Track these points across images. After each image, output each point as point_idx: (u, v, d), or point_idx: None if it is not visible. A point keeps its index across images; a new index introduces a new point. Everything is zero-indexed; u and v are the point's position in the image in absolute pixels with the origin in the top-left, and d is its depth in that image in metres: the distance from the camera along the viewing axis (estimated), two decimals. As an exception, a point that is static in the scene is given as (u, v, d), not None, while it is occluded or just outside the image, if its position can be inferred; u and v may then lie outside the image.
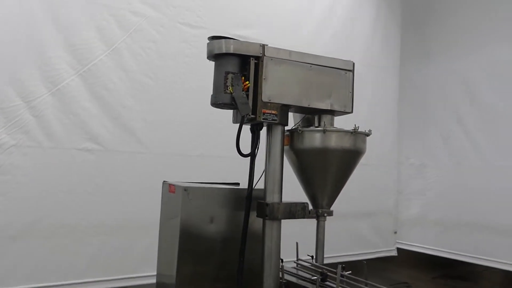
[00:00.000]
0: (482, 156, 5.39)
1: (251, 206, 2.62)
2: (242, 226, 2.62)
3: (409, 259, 5.96)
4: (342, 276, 2.75)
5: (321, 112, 2.73)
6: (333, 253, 5.48)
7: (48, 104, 4.02)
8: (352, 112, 2.76)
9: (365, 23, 6.00)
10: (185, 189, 2.56)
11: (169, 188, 2.72)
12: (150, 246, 4.57)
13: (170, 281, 2.56)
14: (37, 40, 3.94)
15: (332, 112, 2.74)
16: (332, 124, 2.71)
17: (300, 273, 2.87)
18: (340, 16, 5.78)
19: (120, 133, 4.37)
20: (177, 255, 2.52)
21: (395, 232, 6.07)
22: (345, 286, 2.56)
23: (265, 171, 2.66)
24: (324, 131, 2.55)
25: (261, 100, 2.51)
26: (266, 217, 2.56)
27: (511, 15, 5.22)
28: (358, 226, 5.89)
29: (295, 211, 2.65)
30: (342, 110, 2.73)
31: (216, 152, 4.88)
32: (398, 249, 6.06)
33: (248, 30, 5.07)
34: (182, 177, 4.69)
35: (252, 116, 2.50)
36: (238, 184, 2.99)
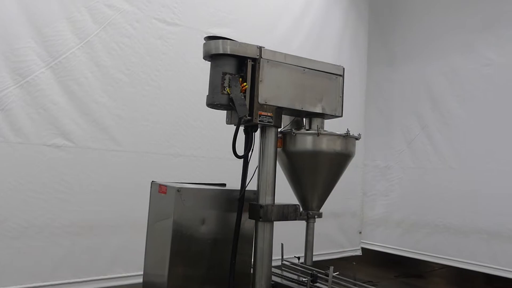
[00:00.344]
0: (443, 159, 5.66)
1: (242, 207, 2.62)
2: (234, 228, 2.61)
3: (373, 259, 6.16)
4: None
5: (312, 115, 2.77)
6: (301, 253, 5.60)
7: (15, 97, 3.81)
8: (341, 116, 2.82)
9: (334, 27, 6.13)
10: (178, 190, 2.52)
11: (159, 189, 2.66)
12: (122, 246, 4.47)
13: (161, 282, 2.51)
14: (5, 28, 3.72)
15: (323, 116, 2.78)
16: (322, 128, 2.75)
17: (287, 274, 2.90)
18: (312, 19, 5.88)
19: (92, 129, 4.21)
20: (169, 256, 2.48)
21: (360, 232, 6.25)
22: (336, 287, 2.61)
23: (258, 173, 2.67)
24: (318, 134, 2.59)
25: (258, 102, 2.51)
26: (260, 219, 2.56)
27: (473, 25, 5.50)
28: (325, 226, 6.01)
29: (287, 213, 2.68)
30: (333, 114, 2.79)
31: (190, 152, 4.82)
32: (363, 249, 6.24)
33: (223, 29, 5.03)
34: (156, 176, 4.60)
35: (248, 117, 2.49)
36: (224, 184, 2.98)
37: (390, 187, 6.17)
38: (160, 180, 4.66)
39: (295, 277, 2.93)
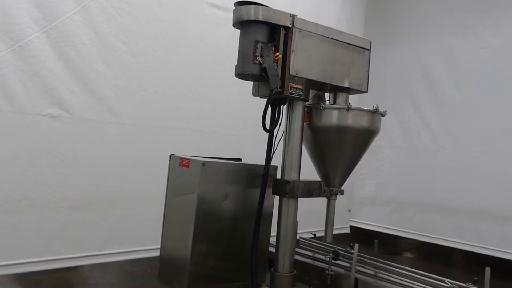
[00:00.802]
0: (435, 140, 5.73)
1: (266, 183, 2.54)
2: (258, 204, 2.54)
3: (360, 236, 6.23)
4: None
5: (338, 89, 2.69)
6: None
7: (7, 62, 3.57)
8: (367, 91, 2.76)
9: (332, 6, 6.04)
10: (204, 163, 2.41)
11: (180, 162, 2.54)
12: (118, 222, 4.33)
13: (183, 257, 2.42)
14: (-5, -15, 3.46)
15: (348, 90, 2.71)
16: (348, 103, 2.68)
17: (302, 251, 2.86)
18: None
19: (89, 99, 4.01)
20: (193, 231, 2.38)
21: (349, 211, 6.30)
22: (362, 265, 2.59)
23: (284, 148, 2.58)
24: (347, 109, 2.52)
25: (289, 73, 2.40)
26: (286, 195, 2.49)
27: (470, 7, 5.51)
28: (314, 204, 6.01)
29: (312, 189, 2.62)
30: (359, 89, 2.72)
31: (188, 125, 4.67)
32: (351, 227, 6.31)
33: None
34: (155, 150, 4.47)
35: (279, 89, 2.38)
36: (240, 159, 2.88)
37: (380, 167, 6.22)
38: (159, 153, 4.52)
39: (310, 253, 2.88)
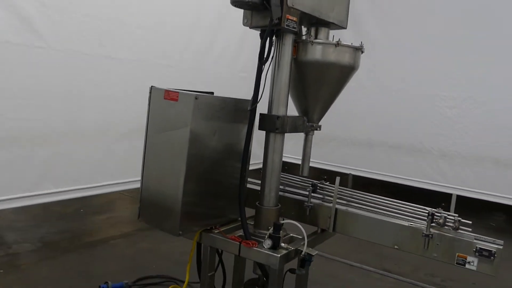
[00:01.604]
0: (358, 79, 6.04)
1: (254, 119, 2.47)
2: (245, 138, 2.48)
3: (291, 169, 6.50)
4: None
5: (321, 24, 2.64)
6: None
7: None
8: (346, 28, 2.75)
9: None
10: (196, 97, 2.24)
11: (165, 95, 2.32)
12: (50, 159, 3.92)
13: (173, 196, 2.29)
14: None
15: (329, 26, 2.68)
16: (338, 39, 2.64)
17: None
18: None
19: (9, 18, 3.42)
20: (185, 168, 2.25)
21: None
22: (341, 196, 2.72)
23: (271, 82, 2.51)
24: (336, 45, 2.50)
25: (287, 4, 2.28)
26: (277, 130, 2.46)
27: None
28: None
29: (297, 125, 2.63)
30: (341, 25, 2.70)
31: (125, 55, 4.27)
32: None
33: None
34: (87, 81, 4.04)
35: (277, 21, 2.26)
36: (213, 93, 2.73)
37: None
38: (93, 84, 4.11)
39: (288, 188, 2.94)
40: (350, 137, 6.14)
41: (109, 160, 4.56)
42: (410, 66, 5.65)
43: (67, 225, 4.80)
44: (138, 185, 4.82)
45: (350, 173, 3.08)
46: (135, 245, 4.44)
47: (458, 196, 4.36)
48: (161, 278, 3.60)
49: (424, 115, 5.68)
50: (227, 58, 5.68)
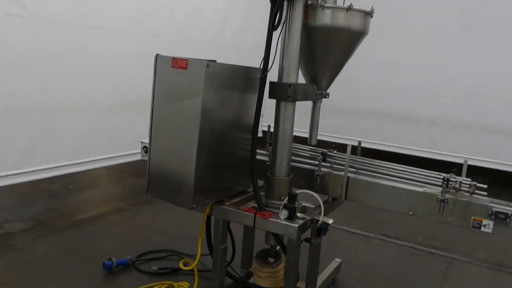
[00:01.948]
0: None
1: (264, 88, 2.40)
2: (256, 108, 2.41)
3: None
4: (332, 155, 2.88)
5: (326, -12, 2.54)
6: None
7: None
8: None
9: None
10: (208, 65, 2.14)
11: (173, 63, 2.21)
12: (37, 134, 3.76)
13: (185, 170, 2.21)
14: None
15: (335, -10, 2.59)
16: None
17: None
18: None
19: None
20: (197, 141, 2.17)
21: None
22: (353, 163, 2.69)
23: (282, 50, 2.42)
24: (348, 9, 2.42)
25: (299, -35, 2.18)
26: (289, 98, 2.39)
27: None
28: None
29: (308, 92, 2.56)
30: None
31: (108, 24, 4.09)
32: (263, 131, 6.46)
33: None
34: (71, 52, 3.84)
35: (290, -17, 2.17)
36: (215, 61, 2.63)
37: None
38: (79, 55, 3.92)
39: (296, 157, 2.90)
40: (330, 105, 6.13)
41: (97, 134, 4.42)
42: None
43: (58, 203, 4.66)
44: (126, 159, 4.77)
45: (359, 140, 3.02)
46: (130, 220, 4.35)
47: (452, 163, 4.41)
48: (164, 252, 3.55)
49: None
50: (214, 28, 5.51)
